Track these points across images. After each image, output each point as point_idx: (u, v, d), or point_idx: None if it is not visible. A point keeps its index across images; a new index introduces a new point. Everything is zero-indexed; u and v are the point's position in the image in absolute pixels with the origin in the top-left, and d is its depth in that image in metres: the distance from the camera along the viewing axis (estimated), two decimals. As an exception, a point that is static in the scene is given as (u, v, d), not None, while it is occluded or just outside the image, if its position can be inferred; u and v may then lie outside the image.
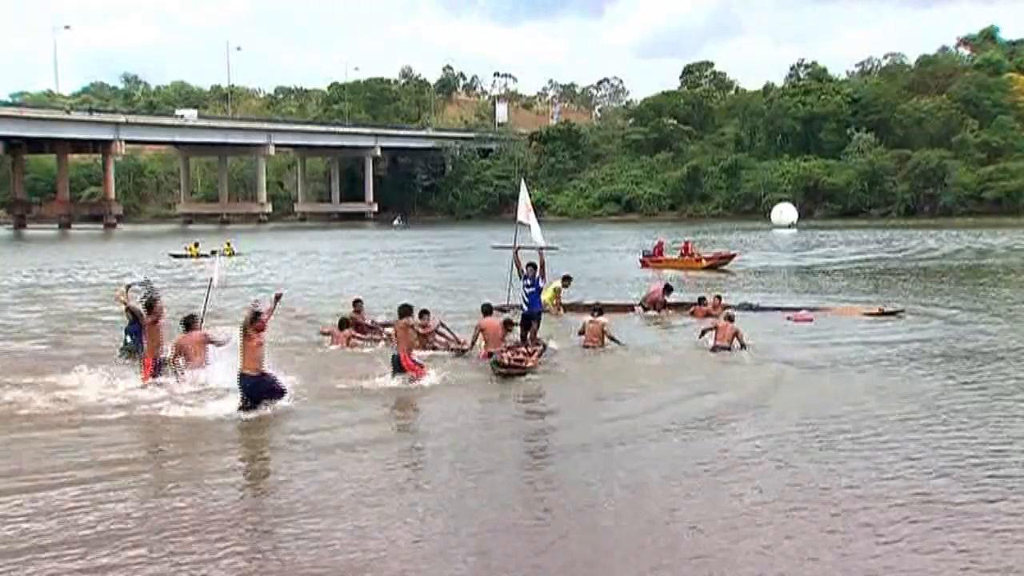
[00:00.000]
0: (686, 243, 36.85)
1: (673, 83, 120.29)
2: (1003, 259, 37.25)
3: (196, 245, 45.01)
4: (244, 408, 10.60)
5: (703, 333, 15.48)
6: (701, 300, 19.55)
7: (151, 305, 12.54)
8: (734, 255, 36.56)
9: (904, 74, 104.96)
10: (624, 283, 27.97)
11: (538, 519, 7.25)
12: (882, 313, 19.83)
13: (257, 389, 10.67)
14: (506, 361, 13.20)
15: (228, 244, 46.33)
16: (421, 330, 13.82)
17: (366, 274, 33.51)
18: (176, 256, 43.70)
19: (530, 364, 13.35)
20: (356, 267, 37.55)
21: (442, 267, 37.27)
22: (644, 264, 34.75)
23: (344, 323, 15.81)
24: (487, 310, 14.66)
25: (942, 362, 13.97)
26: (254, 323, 10.77)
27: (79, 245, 61.24)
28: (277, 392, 10.80)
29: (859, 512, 7.23)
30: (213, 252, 42.66)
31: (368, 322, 16.44)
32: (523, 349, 14.14)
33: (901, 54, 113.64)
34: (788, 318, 19.00)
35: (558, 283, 19.68)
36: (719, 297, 19.57)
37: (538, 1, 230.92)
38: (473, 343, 14.40)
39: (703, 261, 34.35)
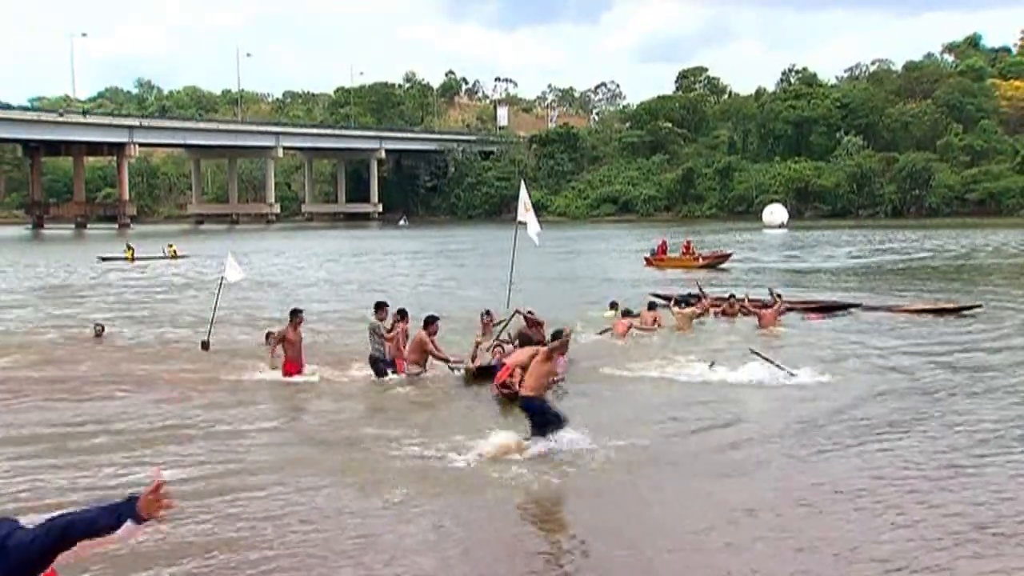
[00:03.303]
0: (687, 243, 39.14)
1: (668, 87, 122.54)
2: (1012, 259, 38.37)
3: (131, 248, 42.45)
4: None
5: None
6: (731, 297, 20.19)
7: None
8: (730, 254, 38.31)
9: (891, 80, 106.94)
10: (633, 283, 28.95)
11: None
12: (959, 309, 19.38)
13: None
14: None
15: (171, 246, 44.37)
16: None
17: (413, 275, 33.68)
18: (107, 259, 40.71)
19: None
20: (399, 268, 37.76)
21: (475, 266, 37.98)
22: (649, 263, 36.62)
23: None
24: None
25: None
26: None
27: (99, 242, 63.07)
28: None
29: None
30: (170, 249, 43.05)
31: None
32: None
33: (888, 60, 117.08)
34: (803, 318, 19.08)
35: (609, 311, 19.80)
36: (780, 295, 19.24)
37: (534, 8, 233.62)
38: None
39: (700, 260, 36.07)
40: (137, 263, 39.73)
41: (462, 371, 13.36)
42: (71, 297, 26.84)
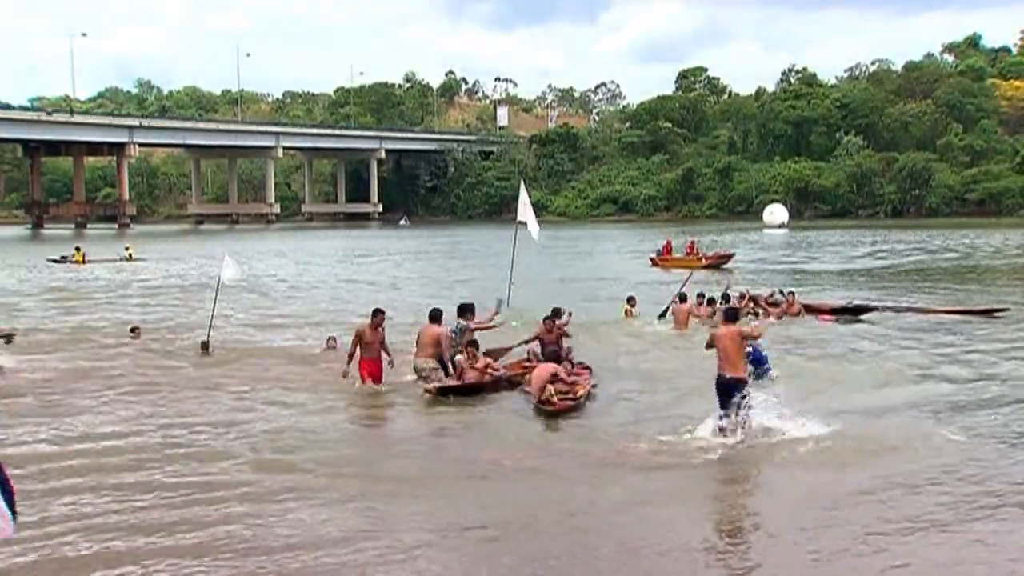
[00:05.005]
0: (691, 243, 39.27)
1: (668, 87, 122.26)
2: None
3: (79, 250, 40.80)
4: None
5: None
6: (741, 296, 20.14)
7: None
8: (732, 255, 38.51)
9: (891, 80, 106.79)
10: (640, 283, 28.69)
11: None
12: (987, 312, 19.28)
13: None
14: (552, 398, 11.33)
15: (128, 248, 43.31)
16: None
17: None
18: (55, 261, 39.54)
19: (580, 392, 11.83)
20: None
21: (480, 266, 37.59)
22: (654, 263, 36.78)
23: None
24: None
25: None
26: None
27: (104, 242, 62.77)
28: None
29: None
30: (127, 252, 42.02)
31: None
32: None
33: (888, 60, 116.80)
34: (815, 318, 19.14)
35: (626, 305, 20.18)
36: (792, 294, 20.10)
37: (533, 8, 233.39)
38: None
39: (703, 260, 36.06)
40: (88, 265, 38.57)
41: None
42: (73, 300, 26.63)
